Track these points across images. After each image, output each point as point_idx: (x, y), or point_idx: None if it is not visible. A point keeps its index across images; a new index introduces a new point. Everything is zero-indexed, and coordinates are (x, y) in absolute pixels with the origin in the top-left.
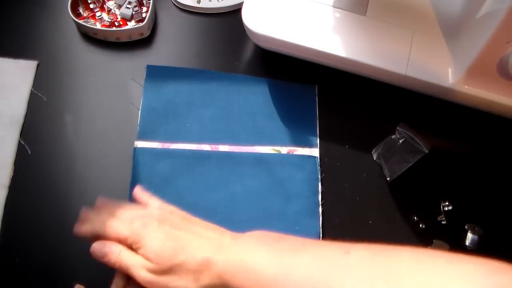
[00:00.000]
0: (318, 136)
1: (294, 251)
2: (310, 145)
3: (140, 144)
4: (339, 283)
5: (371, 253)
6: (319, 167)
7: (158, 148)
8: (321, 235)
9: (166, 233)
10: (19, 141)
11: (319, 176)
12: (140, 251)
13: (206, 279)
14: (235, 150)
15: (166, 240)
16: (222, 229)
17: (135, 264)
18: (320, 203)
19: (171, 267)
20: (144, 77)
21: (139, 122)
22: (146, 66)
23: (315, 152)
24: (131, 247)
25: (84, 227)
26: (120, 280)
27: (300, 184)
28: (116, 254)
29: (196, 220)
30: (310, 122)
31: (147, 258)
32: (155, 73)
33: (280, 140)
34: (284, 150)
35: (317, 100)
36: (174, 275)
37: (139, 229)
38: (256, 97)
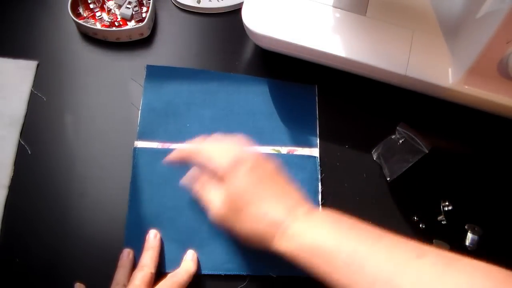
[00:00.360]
0: (318, 136)
1: (369, 242)
2: (310, 145)
3: (140, 144)
4: (409, 287)
5: (443, 261)
6: (319, 167)
7: (158, 148)
8: None
9: (252, 180)
10: (19, 141)
11: (319, 176)
12: (224, 186)
13: (266, 241)
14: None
15: (246, 187)
16: (301, 199)
17: (212, 201)
18: (320, 203)
19: (239, 212)
20: (144, 77)
21: (139, 122)
22: (146, 66)
23: (315, 152)
24: (220, 177)
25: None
26: (121, 279)
27: (300, 184)
28: (200, 187)
29: (283, 179)
30: (310, 122)
31: (225, 195)
32: (155, 73)
33: (280, 140)
34: (284, 150)
35: (317, 100)
36: (241, 222)
37: (233, 166)
38: (256, 97)
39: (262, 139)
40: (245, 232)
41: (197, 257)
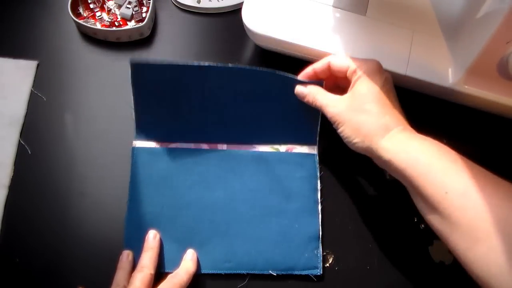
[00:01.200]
0: (317, 134)
1: (458, 167)
2: (309, 143)
3: (138, 143)
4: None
5: None
6: (318, 165)
7: (156, 148)
8: (320, 233)
9: (385, 87)
10: (19, 141)
11: (318, 174)
12: (354, 83)
13: (372, 141)
14: (233, 149)
15: (380, 91)
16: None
17: (326, 103)
18: (319, 201)
19: (360, 110)
20: (130, 76)
21: (135, 122)
22: (129, 60)
23: (313, 150)
24: (350, 77)
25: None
26: (121, 280)
27: (299, 182)
28: (313, 94)
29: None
30: (309, 120)
31: (350, 93)
32: (143, 71)
33: (279, 138)
34: (283, 148)
35: None
36: (355, 118)
37: (376, 68)
38: (255, 94)
39: (261, 138)
40: (360, 129)
41: (197, 257)
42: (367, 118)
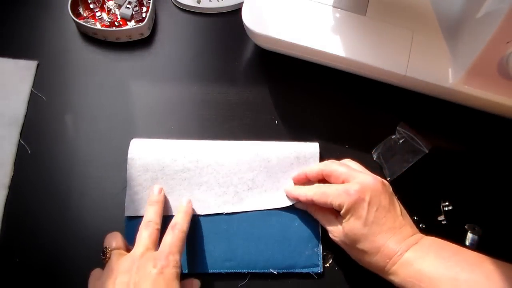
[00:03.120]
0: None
1: (469, 268)
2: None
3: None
4: None
5: None
6: (318, 161)
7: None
8: (320, 231)
9: (370, 216)
10: (19, 141)
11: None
12: (345, 218)
13: (377, 270)
14: (234, 144)
15: (364, 225)
16: (410, 229)
17: (331, 223)
18: None
19: (358, 245)
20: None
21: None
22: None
23: (315, 148)
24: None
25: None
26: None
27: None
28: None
29: (396, 210)
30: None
31: (345, 227)
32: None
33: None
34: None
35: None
36: (358, 252)
37: (354, 202)
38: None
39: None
40: (361, 260)
41: (192, 204)
42: (368, 255)
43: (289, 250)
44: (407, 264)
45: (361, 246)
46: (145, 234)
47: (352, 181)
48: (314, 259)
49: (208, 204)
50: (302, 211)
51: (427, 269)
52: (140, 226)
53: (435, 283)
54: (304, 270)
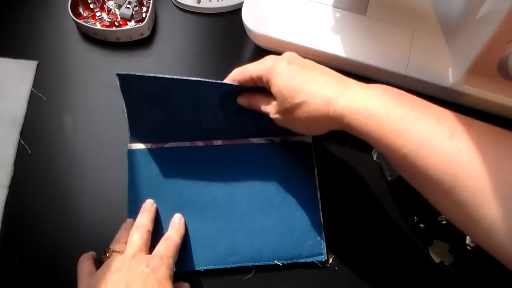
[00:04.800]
0: None
1: (419, 109)
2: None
3: (133, 146)
4: (455, 151)
5: (491, 130)
6: (313, 153)
7: (152, 148)
8: (322, 220)
9: (293, 71)
10: (19, 141)
11: (314, 161)
12: (271, 90)
13: (323, 120)
14: (229, 143)
15: (291, 79)
16: (346, 77)
17: (266, 105)
18: (318, 188)
19: (292, 106)
20: (120, 85)
21: (129, 126)
22: (116, 75)
23: (308, 138)
24: (267, 84)
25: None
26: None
27: (296, 170)
28: (252, 98)
29: (323, 67)
30: None
31: (274, 97)
32: (131, 81)
33: (274, 130)
34: (277, 139)
35: None
36: (296, 115)
37: (270, 66)
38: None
39: (255, 131)
40: (306, 124)
41: (184, 221)
42: (307, 106)
43: (293, 241)
44: (351, 102)
45: (296, 101)
46: (136, 235)
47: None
48: (317, 248)
49: None
50: (302, 202)
51: (374, 107)
52: (131, 230)
53: (381, 121)
54: (308, 260)
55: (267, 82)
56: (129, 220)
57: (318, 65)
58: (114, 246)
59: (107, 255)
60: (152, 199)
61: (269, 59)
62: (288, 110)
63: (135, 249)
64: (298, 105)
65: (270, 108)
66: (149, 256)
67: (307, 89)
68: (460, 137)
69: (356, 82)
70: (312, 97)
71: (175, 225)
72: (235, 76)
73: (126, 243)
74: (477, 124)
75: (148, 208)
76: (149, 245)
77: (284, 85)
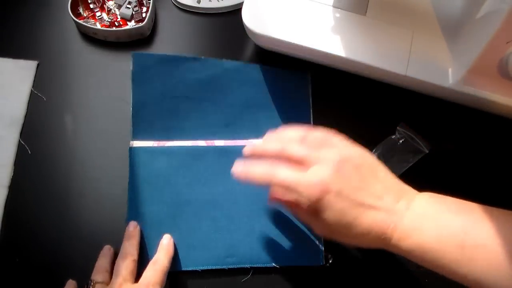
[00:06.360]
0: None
1: (474, 226)
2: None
3: (135, 143)
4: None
5: None
6: None
7: (154, 147)
8: None
9: (344, 205)
10: (19, 141)
11: None
12: (317, 217)
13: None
14: (230, 144)
15: (342, 215)
16: (399, 190)
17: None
18: None
19: (347, 229)
20: (132, 68)
21: (132, 121)
22: (132, 54)
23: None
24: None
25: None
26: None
27: None
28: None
29: (373, 175)
30: (303, 111)
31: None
32: (144, 62)
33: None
34: None
35: (310, 91)
36: (349, 237)
37: (316, 199)
38: (251, 87)
39: (257, 132)
40: (359, 245)
41: (173, 241)
42: (360, 238)
43: (291, 244)
44: (406, 237)
45: (348, 233)
46: (122, 265)
47: (310, 171)
48: (316, 252)
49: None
50: None
51: (428, 241)
52: (117, 259)
53: (437, 256)
54: (306, 263)
55: (310, 211)
56: (106, 247)
57: (367, 176)
58: (96, 276)
59: (91, 287)
60: (135, 222)
61: (313, 187)
62: (337, 235)
63: (120, 280)
64: (350, 237)
65: (315, 225)
66: (135, 285)
67: (360, 225)
68: None
69: (404, 206)
70: (366, 233)
71: (164, 247)
72: (267, 147)
73: (108, 271)
74: None
75: (131, 234)
76: (135, 274)
77: (335, 223)
